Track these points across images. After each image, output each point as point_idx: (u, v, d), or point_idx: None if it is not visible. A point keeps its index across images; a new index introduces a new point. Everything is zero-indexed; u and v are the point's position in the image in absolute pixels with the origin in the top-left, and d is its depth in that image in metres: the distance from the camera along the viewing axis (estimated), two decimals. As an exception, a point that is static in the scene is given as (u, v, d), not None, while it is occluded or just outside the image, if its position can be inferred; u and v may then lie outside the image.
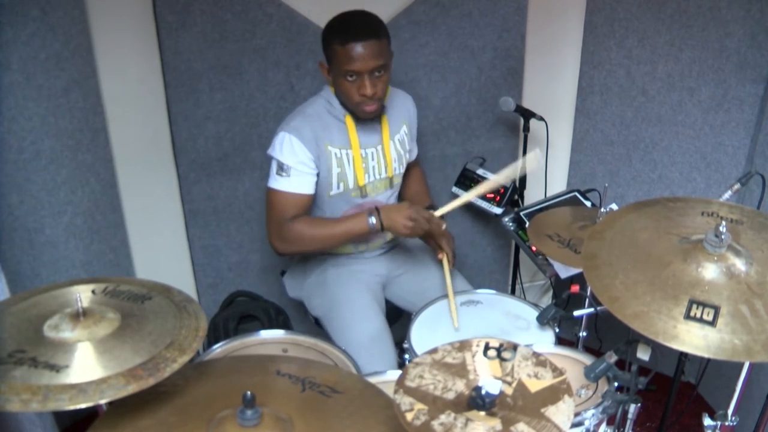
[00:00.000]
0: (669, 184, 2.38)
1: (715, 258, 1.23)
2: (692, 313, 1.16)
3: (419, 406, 1.06)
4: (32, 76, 1.84)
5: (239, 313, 2.20)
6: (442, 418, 1.04)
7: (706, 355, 1.11)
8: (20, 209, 1.91)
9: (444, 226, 1.96)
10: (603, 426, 1.47)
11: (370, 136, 1.97)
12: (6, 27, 1.76)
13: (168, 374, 1.08)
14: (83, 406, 1.01)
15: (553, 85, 2.58)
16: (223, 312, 2.24)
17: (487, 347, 1.19)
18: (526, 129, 2.40)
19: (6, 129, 1.82)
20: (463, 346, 1.20)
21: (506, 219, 2.30)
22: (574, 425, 1.41)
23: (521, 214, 2.26)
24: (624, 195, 2.49)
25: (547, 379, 1.13)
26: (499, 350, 1.19)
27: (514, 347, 1.19)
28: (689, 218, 1.38)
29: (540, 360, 1.17)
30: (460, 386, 1.12)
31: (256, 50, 2.21)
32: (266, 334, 1.74)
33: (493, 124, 2.56)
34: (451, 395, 1.10)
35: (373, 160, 1.98)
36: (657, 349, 1.28)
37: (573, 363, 1.62)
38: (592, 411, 1.43)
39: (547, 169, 2.53)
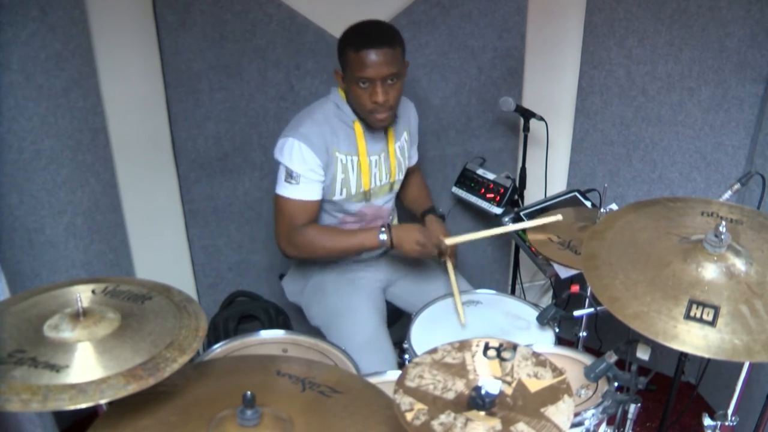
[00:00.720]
0: (669, 184, 2.38)
1: (715, 258, 1.23)
2: (692, 313, 1.16)
3: (419, 406, 1.06)
4: (32, 76, 1.84)
5: (239, 313, 2.20)
6: (442, 418, 1.04)
7: (706, 355, 1.11)
8: (20, 209, 1.91)
9: (450, 243, 1.99)
10: (603, 426, 1.47)
11: (377, 143, 1.98)
12: (6, 27, 1.76)
13: (168, 374, 1.08)
14: (83, 406, 1.01)
15: (553, 85, 2.58)
16: (223, 312, 2.24)
17: (486, 347, 1.19)
18: (526, 129, 2.40)
19: (6, 129, 1.82)
20: (463, 346, 1.20)
21: (506, 219, 2.30)
22: (574, 425, 1.41)
23: (521, 214, 2.26)
24: (624, 195, 2.49)
25: (547, 379, 1.13)
26: (498, 350, 1.19)
27: (514, 347, 1.19)
28: (689, 218, 1.38)
29: (540, 360, 1.17)
30: (460, 386, 1.12)
31: (256, 50, 2.21)
32: (266, 334, 1.74)
33: (493, 124, 2.56)
34: (451, 395, 1.10)
35: (376, 166, 1.99)
36: (657, 349, 1.28)
37: (573, 363, 1.62)
38: (592, 411, 1.43)
39: (547, 169, 2.53)
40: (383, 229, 1.90)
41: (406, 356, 1.76)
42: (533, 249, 2.21)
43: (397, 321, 2.22)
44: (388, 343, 1.94)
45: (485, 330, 1.80)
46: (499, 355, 1.18)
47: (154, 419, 1.12)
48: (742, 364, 1.33)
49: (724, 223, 1.23)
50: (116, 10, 2.09)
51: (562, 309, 1.78)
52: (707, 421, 1.41)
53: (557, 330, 1.79)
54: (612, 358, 1.41)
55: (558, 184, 2.66)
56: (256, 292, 2.38)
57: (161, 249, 2.42)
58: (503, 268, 2.83)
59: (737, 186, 1.74)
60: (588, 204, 2.30)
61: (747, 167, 2.16)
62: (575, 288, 1.80)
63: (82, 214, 2.06)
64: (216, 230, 2.42)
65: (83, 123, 2.02)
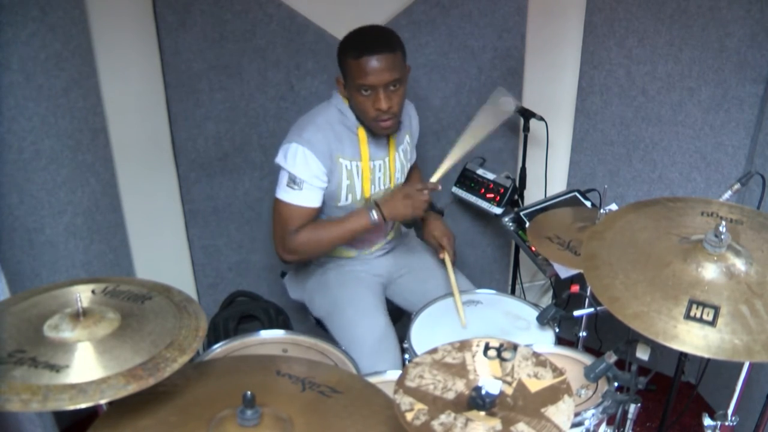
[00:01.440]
0: (669, 184, 2.38)
1: (715, 258, 1.23)
2: (692, 313, 1.15)
3: (419, 406, 1.06)
4: (32, 76, 1.84)
5: (239, 313, 2.20)
6: (442, 418, 1.04)
7: (706, 355, 1.11)
8: (20, 209, 1.91)
9: (439, 188, 1.92)
10: (603, 426, 1.47)
11: (379, 149, 1.97)
12: (6, 27, 1.76)
13: (168, 374, 1.08)
14: (83, 406, 1.01)
15: (553, 85, 2.58)
16: (223, 312, 2.25)
17: (487, 347, 1.19)
18: (526, 129, 2.40)
19: (6, 129, 1.82)
20: (463, 346, 1.20)
21: (506, 219, 2.30)
22: (574, 425, 1.41)
23: (521, 214, 2.26)
24: (624, 195, 2.49)
25: (547, 379, 1.13)
26: (499, 350, 1.19)
27: (514, 347, 1.19)
28: (689, 218, 1.38)
29: (540, 360, 1.17)
30: (460, 386, 1.12)
31: (256, 50, 2.21)
32: (266, 334, 1.74)
33: (493, 124, 2.56)
34: (451, 395, 1.10)
35: (379, 171, 1.99)
36: (657, 349, 1.28)
37: (573, 363, 1.62)
38: (592, 411, 1.43)
39: (547, 169, 2.53)
40: (371, 207, 1.88)
41: (406, 356, 1.76)
42: (533, 249, 2.21)
43: (398, 321, 2.22)
44: (392, 332, 1.94)
45: (485, 330, 1.80)
46: (499, 355, 1.18)
47: (154, 419, 1.12)
48: (742, 364, 1.33)
49: (724, 223, 1.23)
50: (116, 10, 2.09)
51: (562, 309, 1.78)
52: (707, 421, 1.41)
53: (557, 330, 1.79)
54: (612, 358, 1.41)
55: (558, 184, 2.66)
56: (256, 292, 2.38)
57: (161, 249, 2.42)
58: (503, 268, 2.83)
59: (737, 186, 1.74)
60: (588, 204, 2.30)
61: (747, 167, 2.16)
62: (575, 288, 1.80)
63: (82, 214, 2.06)
64: (216, 230, 2.42)
65: (83, 123, 2.02)
